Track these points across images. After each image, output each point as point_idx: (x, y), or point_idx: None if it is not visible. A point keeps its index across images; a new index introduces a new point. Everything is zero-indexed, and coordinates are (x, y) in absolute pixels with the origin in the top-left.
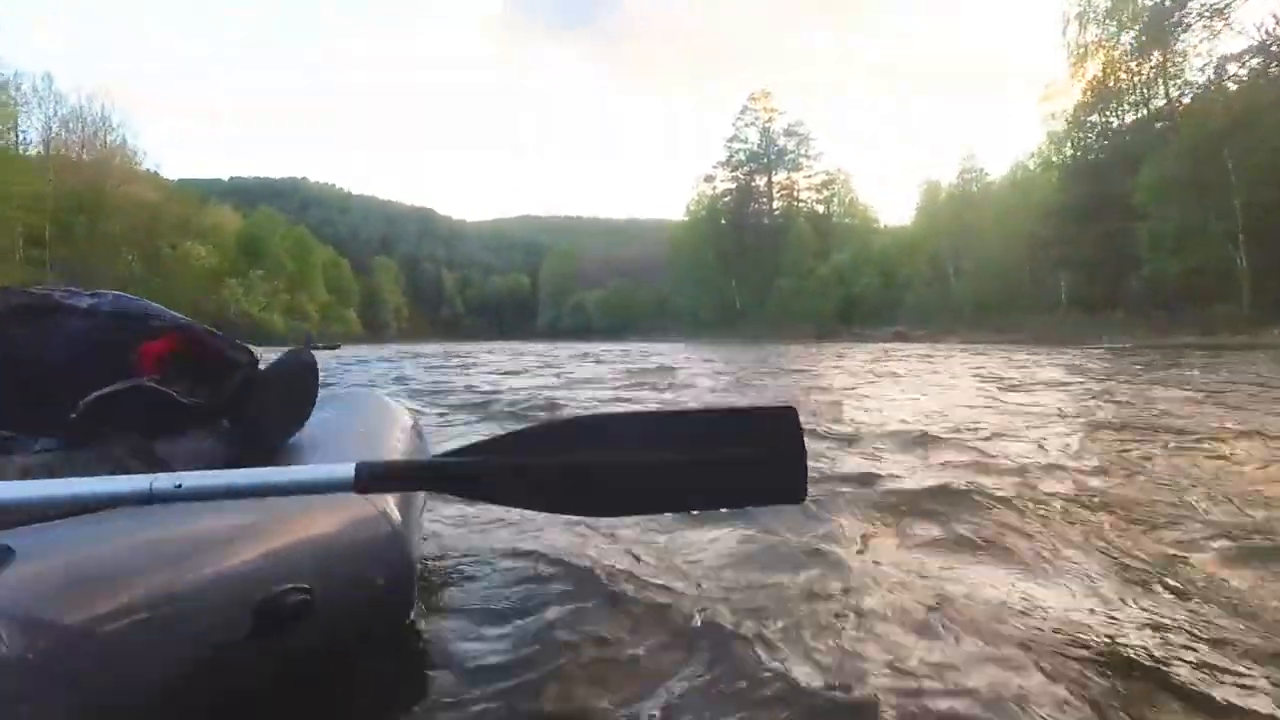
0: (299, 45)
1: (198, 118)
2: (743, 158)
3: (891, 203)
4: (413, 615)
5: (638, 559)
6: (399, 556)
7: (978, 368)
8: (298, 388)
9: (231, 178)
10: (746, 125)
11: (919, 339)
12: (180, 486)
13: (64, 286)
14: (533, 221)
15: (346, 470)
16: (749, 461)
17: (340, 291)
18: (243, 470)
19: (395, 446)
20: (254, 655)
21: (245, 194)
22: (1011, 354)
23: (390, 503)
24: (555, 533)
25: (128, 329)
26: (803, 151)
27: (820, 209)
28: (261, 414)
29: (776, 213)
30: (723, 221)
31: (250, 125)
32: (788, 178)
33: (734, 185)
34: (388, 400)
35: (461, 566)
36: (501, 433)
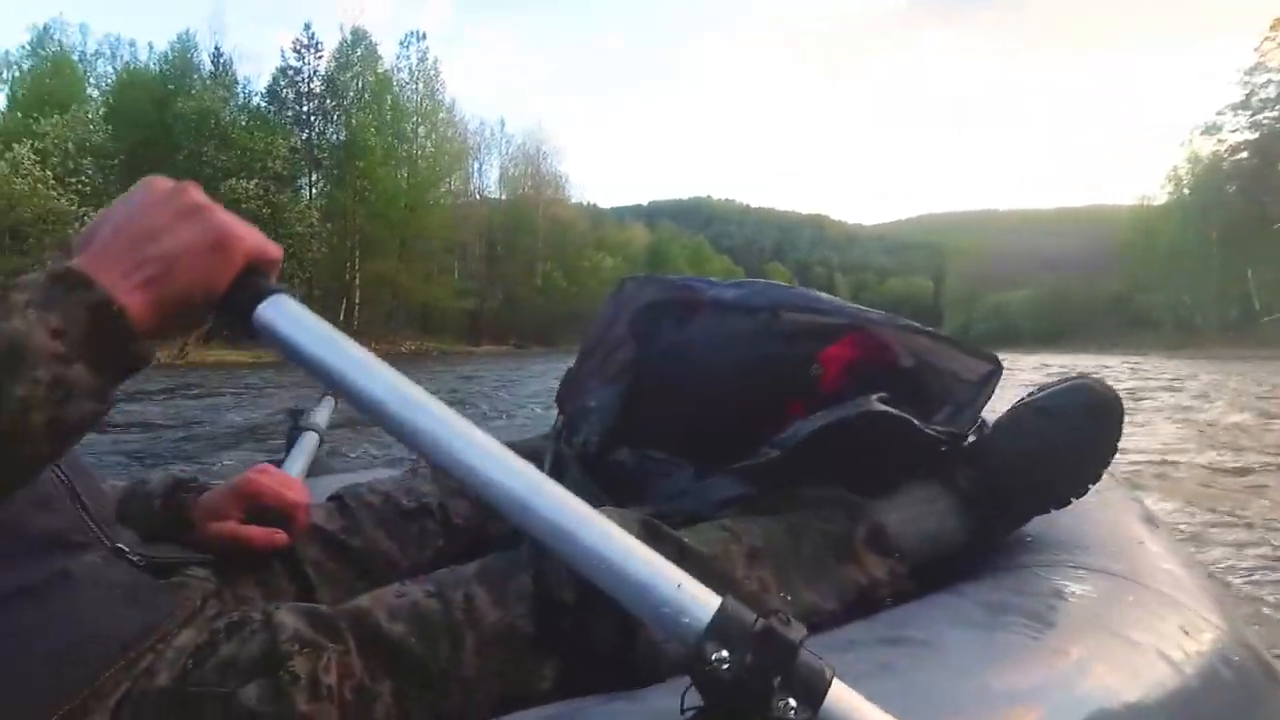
0: (701, 74)
1: (625, 154)
2: (1272, 93)
3: None
4: None
5: None
6: None
7: None
8: (1086, 437)
9: (650, 202)
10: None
11: None
12: None
13: (691, 278)
14: (933, 220)
15: None
16: None
17: None
18: None
19: (1155, 554)
20: None
21: (659, 214)
22: None
23: None
24: None
25: (801, 329)
26: None
27: None
28: (1015, 470)
29: None
30: (1230, 189)
31: (665, 155)
32: None
33: (1255, 135)
34: None
35: None
36: None
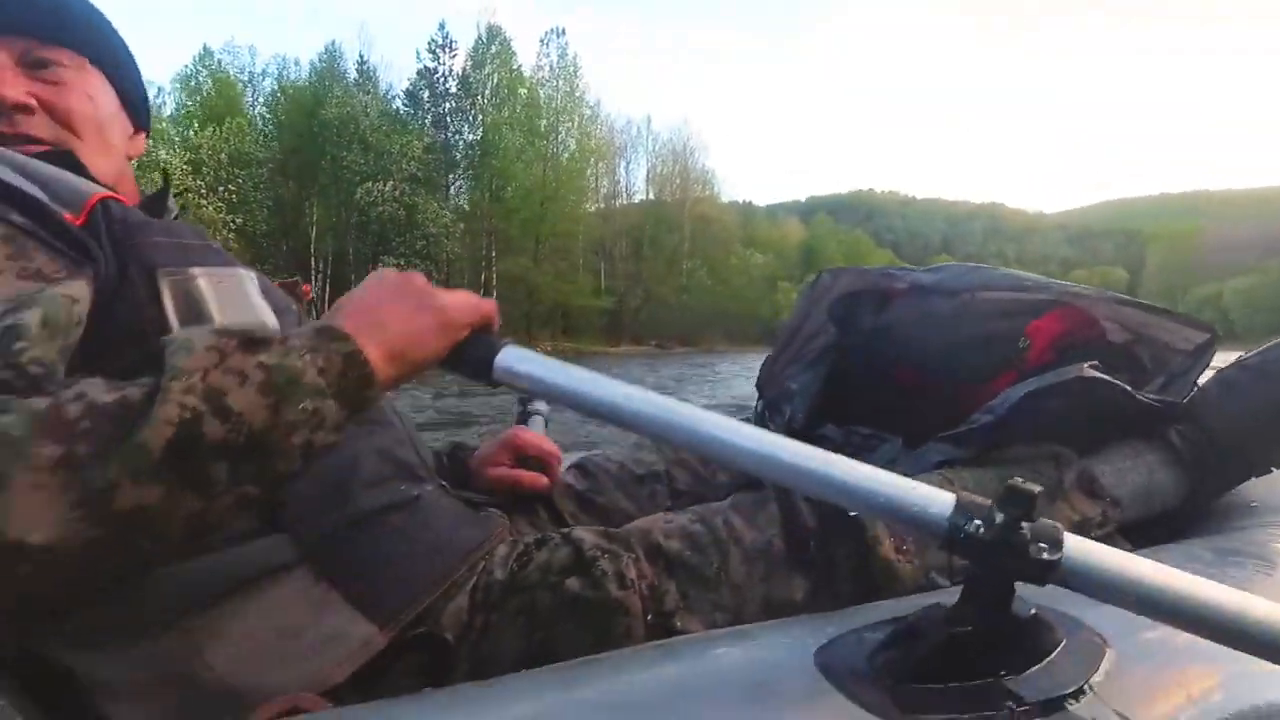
0: (858, 63)
1: (784, 151)
2: None
3: None
4: None
5: None
6: None
7: None
8: None
9: (808, 198)
10: None
11: None
12: None
13: (887, 267)
14: (1127, 206)
15: None
16: None
17: None
18: None
19: None
20: None
21: (816, 209)
22: None
23: None
24: None
25: (1005, 306)
26: None
27: None
28: (1229, 429)
29: None
30: None
31: (824, 150)
32: None
33: None
34: None
35: None
36: None
